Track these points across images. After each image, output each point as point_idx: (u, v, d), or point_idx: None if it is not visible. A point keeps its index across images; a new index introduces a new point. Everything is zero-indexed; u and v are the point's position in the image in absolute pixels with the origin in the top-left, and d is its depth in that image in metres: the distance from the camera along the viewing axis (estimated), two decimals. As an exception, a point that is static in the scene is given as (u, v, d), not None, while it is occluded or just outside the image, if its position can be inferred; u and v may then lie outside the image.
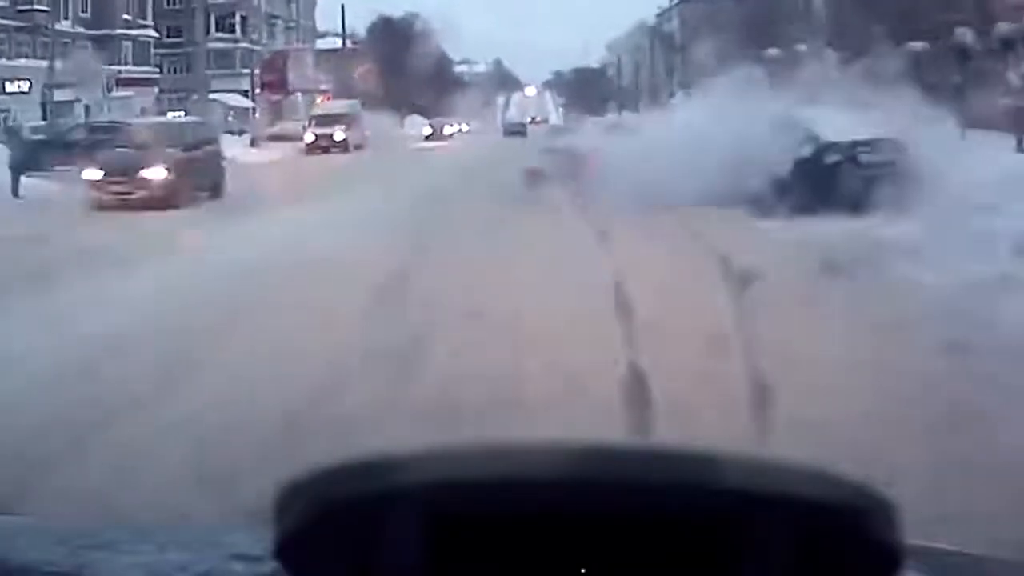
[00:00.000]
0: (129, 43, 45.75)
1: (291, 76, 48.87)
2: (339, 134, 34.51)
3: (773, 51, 27.16)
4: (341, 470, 0.72)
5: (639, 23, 66.31)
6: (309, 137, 34.79)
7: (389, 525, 0.71)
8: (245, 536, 1.05)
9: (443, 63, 71.90)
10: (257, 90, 47.14)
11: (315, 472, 0.72)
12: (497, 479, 0.71)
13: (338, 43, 71.47)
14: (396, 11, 68.11)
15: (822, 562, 0.72)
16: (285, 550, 0.73)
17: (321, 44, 63.76)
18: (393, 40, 64.25)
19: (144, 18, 47.30)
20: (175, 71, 57.70)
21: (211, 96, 37.28)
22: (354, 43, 73.02)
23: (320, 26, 66.12)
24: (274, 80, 47.71)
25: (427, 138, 45.25)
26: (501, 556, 0.73)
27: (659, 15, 62.03)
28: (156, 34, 47.90)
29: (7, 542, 1.14)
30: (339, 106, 39.55)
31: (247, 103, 47.31)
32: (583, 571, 0.74)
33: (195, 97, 36.63)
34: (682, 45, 50.90)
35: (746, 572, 0.72)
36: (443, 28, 65.88)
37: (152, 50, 48.12)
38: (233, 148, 29.85)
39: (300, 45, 56.49)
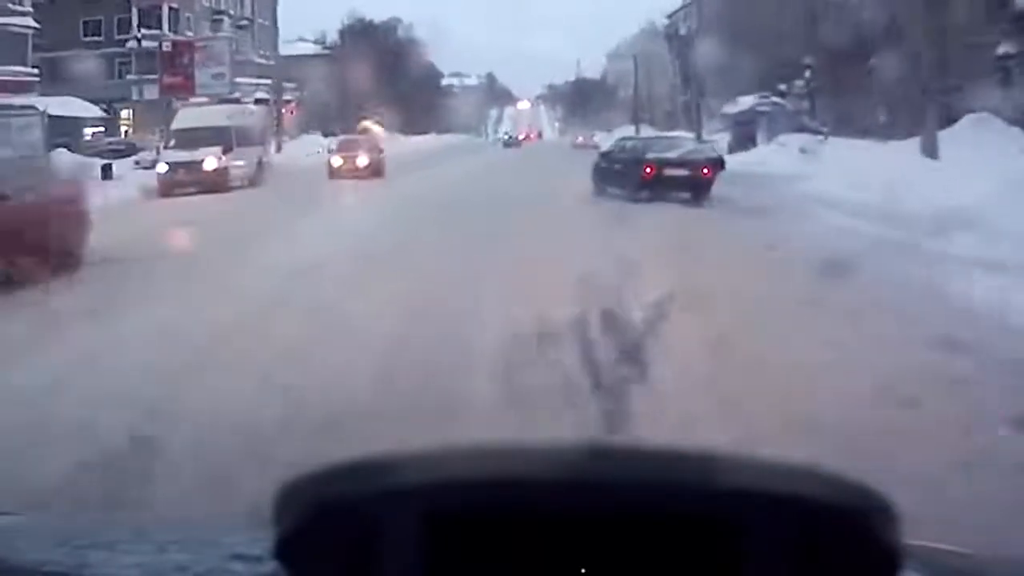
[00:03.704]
0: (-10, 35, 35.28)
1: (199, 74, 37.46)
2: (211, 161, 21.83)
3: None
4: (340, 471, 0.73)
5: (647, 27, 62.26)
6: (162, 167, 22.51)
7: (388, 525, 0.72)
8: (245, 536, 1.04)
9: (430, 74, 65.83)
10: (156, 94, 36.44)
11: (314, 473, 0.73)
12: (496, 479, 0.71)
13: (307, 48, 63.32)
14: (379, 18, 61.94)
15: (822, 562, 0.72)
16: (285, 550, 0.74)
17: (286, 50, 55.92)
18: (371, 46, 56.65)
19: (18, 2, 36.86)
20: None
21: (34, 101, 26.30)
22: (325, 47, 64.70)
23: (290, 31, 58.02)
24: (176, 80, 36.52)
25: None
26: (500, 556, 0.73)
27: (671, 16, 54.33)
28: (36, 25, 37.47)
29: (7, 542, 1.15)
30: (217, 114, 25.41)
31: (94, 111, 36.30)
32: (583, 571, 0.74)
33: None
34: (699, 48, 41.31)
35: (746, 572, 0.72)
36: (433, 40, 57.93)
37: (30, 45, 37.61)
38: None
39: (214, 34, 45.47)
